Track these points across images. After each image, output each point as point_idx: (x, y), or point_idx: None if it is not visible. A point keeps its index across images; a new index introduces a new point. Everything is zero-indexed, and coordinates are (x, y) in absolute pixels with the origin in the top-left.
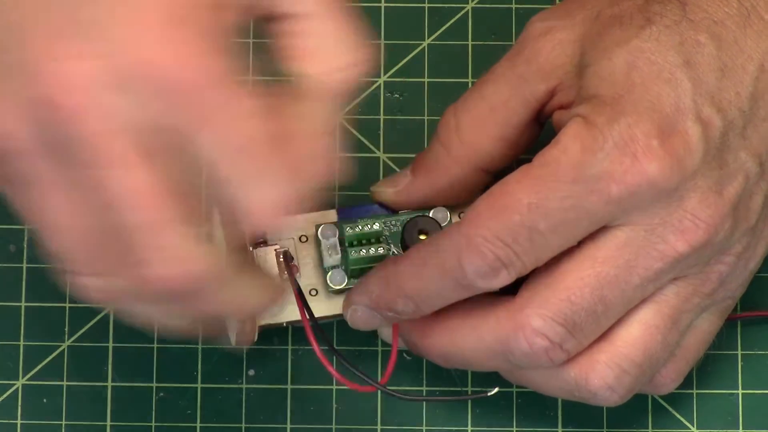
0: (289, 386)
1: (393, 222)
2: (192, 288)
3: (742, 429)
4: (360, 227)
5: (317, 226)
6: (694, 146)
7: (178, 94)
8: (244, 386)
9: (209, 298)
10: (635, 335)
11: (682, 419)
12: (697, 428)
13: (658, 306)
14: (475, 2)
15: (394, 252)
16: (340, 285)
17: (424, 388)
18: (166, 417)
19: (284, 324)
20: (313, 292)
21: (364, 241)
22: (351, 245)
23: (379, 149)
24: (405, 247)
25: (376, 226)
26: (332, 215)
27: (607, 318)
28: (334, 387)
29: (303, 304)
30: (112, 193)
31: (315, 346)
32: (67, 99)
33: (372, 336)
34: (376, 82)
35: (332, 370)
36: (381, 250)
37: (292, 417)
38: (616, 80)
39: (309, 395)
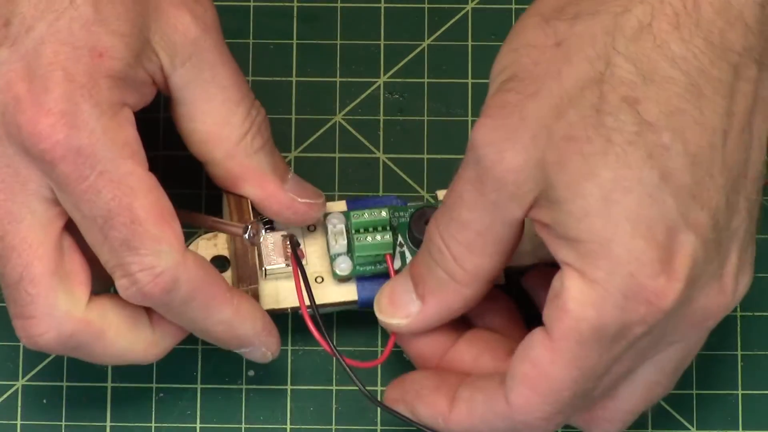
0: (289, 386)
1: (401, 212)
2: (74, 343)
3: (742, 429)
4: (366, 215)
5: (325, 215)
6: (695, 256)
7: (43, 162)
8: (244, 386)
9: (97, 349)
10: (639, 393)
11: (682, 419)
12: (697, 428)
13: (660, 364)
14: (474, 3)
15: (401, 241)
16: (345, 272)
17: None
18: (166, 417)
19: (288, 310)
20: (319, 280)
21: (370, 229)
22: (357, 232)
23: (379, 149)
24: (412, 237)
25: (383, 214)
26: (341, 206)
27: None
28: (334, 387)
29: (308, 290)
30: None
31: (315, 331)
32: None
33: (372, 337)
34: (376, 82)
35: (330, 349)
36: (387, 237)
37: (292, 417)
38: (596, 223)
39: (309, 395)
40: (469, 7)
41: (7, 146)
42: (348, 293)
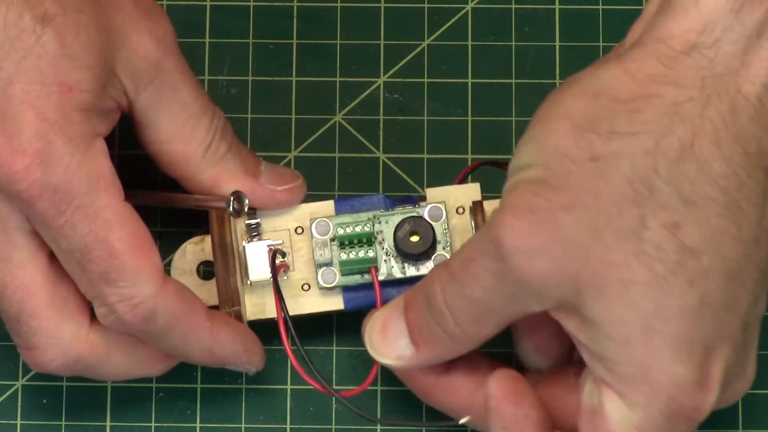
0: (289, 386)
1: (388, 220)
2: (82, 366)
3: (742, 429)
4: (351, 228)
5: (312, 220)
6: (729, 364)
7: (20, 201)
8: (244, 386)
9: (102, 370)
10: None
11: None
12: (697, 428)
13: None
14: (474, 2)
15: (387, 251)
16: (330, 284)
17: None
18: (166, 417)
19: (274, 319)
20: (306, 287)
21: (354, 242)
22: (341, 245)
23: (379, 149)
24: (397, 247)
25: (367, 228)
26: (329, 207)
27: None
28: (334, 387)
29: (282, 304)
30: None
31: (286, 344)
32: None
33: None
34: (376, 82)
35: (299, 368)
36: (371, 253)
37: (292, 417)
38: (637, 350)
39: (309, 395)
40: (469, 7)
41: None
42: (334, 303)
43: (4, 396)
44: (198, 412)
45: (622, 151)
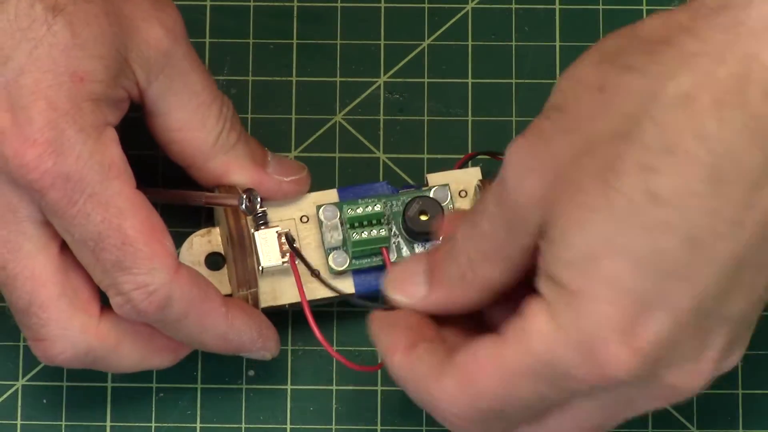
0: (289, 386)
1: (394, 202)
2: (92, 357)
3: (743, 429)
4: (361, 209)
5: (318, 207)
6: (662, 336)
7: (32, 191)
8: (244, 386)
9: (113, 361)
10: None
11: (682, 419)
12: (697, 428)
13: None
14: (475, 2)
15: (395, 233)
16: (342, 266)
17: None
18: (166, 417)
19: (286, 306)
20: (316, 271)
21: (365, 223)
22: (352, 227)
23: (379, 149)
24: (406, 227)
25: (377, 207)
26: (333, 195)
27: None
28: (334, 387)
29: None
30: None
31: (315, 329)
32: None
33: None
34: (376, 82)
35: (332, 351)
36: (383, 232)
37: (292, 417)
38: (575, 275)
39: (309, 395)
40: (469, 7)
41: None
42: (345, 286)
43: (4, 396)
44: (198, 412)
45: (627, 85)
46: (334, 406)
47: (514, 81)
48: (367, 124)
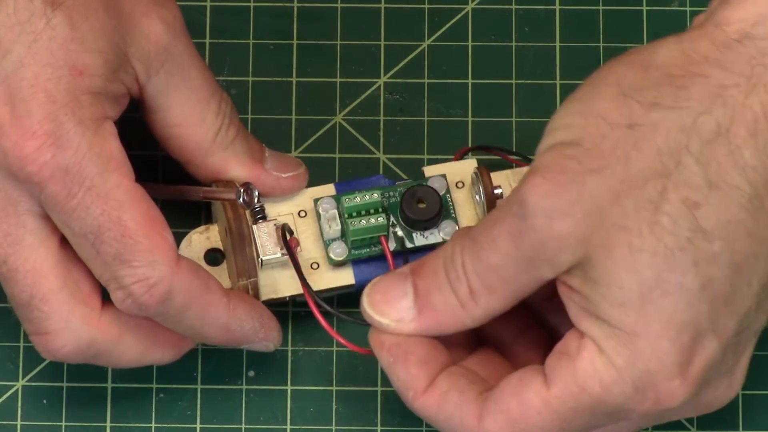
0: (289, 387)
1: (391, 192)
2: (94, 351)
3: (742, 429)
4: (358, 198)
5: (315, 200)
6: (713, 361)
7: (31, 184)
8: (244, 387)
9: (115, 356)
10: None
11: (682, 419)
12: (697, 428)
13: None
14: (475, 3)
15: (393, 222)
16: (341, 257)
17: None
18: (166, 417)
19: (287, 298)
20: (315, 266)
21: (363, 212)
22: (350, 216)
23: (379, 150)
24: (404, 216)
25: (375, 196)
26: (330, 189)
27: None
28: (334, 387)
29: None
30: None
31: (317, 314)
32: None
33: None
34: (376, 83)
35: (334, 332)
36: (381, 219)
37: (292, 417)
38: (629, 315)
39: (309, 396)
40: (469, 7)
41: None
42: (345, 277)
43: (4, 396)
44: (198, 413)
45: (660, 122)
46: (334, 407)
47: (514, 81)
48: (367, 124)
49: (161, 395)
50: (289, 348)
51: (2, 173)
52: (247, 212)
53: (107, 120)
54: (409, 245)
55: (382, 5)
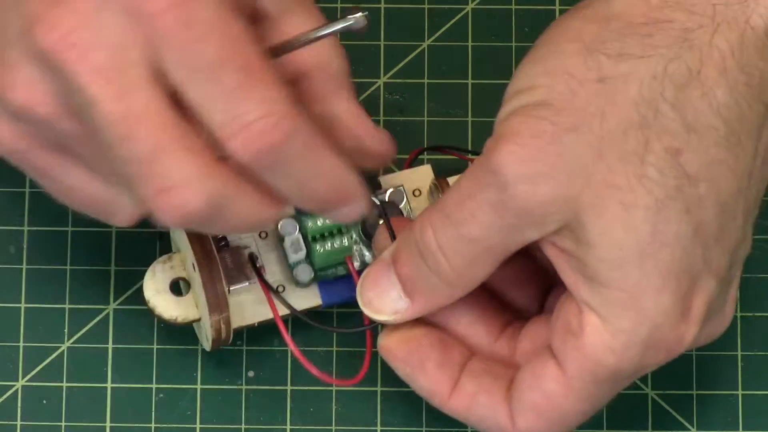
0: (288, 387)
1: None
2: (219, 202)
3: (742, 429)
4: (320, 220)
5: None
6: (712, 298)
7: (149, 17)
8: (243, 387)
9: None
10: None
11: (682, 420)
12: (697, 429)
13: None
14: (475, 3)
15: (356, 239)
16: (306, 279)
17: None
18: (166, 418)
19: (255, 324)
20: (281, 288)
21: (326, 234)
22: (314, 239)
23: None
24: (366, 233)
25: None
26: (289, 208)
27: None
28: (334, 387)
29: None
30: (115, 128)
31: (288, 340)
32: (62, 45)
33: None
34: (376, 83)
35: (311, 366)
36: (345, 242)
37: (291, 418)
38: (630, 275)
39: (309, 396)
40: (469, 7)
41: (107, 14)
42: (311, 298)
43: (4, 396)
44: (198, 413)
45: (631, 73)
46: (334, 407)
47: None
48: None
49: (161, 395)
50: (289, 349)
51: (118, 14)
52: (212, 240)
53: None
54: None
55: (382, 5)
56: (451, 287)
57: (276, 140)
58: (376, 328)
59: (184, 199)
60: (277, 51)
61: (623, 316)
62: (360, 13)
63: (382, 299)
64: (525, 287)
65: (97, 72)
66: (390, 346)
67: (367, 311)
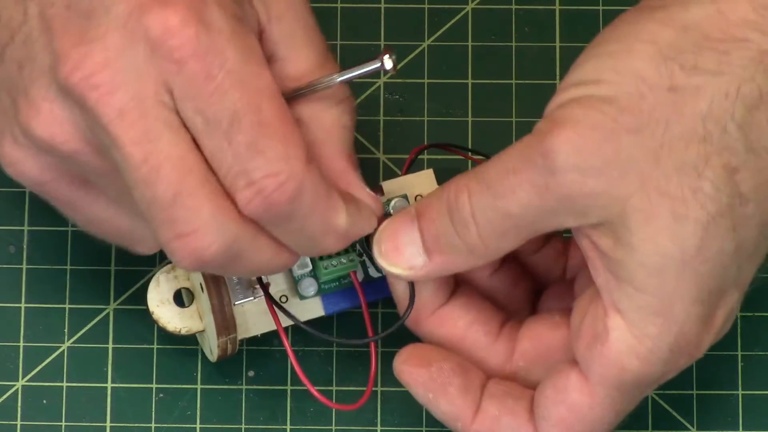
0: (288, 387)
1: None
2: (237, 249)
3: (742, 429)
4: None
5: None
6: (735, 310)
7: (171, 62)
8: (243, 387)
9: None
10: None
11: (682, 419)
12: (697, 429)
13: None
14: (475, 3)
15: (359, 253)
16: (311, 293)
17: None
18: (166, 418)
19: (258, 336)
20: (284, 299)
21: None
22: (321, 258)
23: (379, 150)
24: (368, 243)
25: None
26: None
27: None
28: (334, 388)
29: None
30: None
31: (291, 354)
32: (89, 83)
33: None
34: (376, 83)
35: (312, 388)
36: (353, 258)
37: (291, 418)
38: (668, 283)
39: (309, 396)
40: (469, 7)
41: (132, 56)
42: (314, 309)
43: (4, 396)
44: (198, 413)
45: (703, 87)
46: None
47: (514, 81)
48: (367, 124)
49: (161, 395)
50: (290, 358)
51: (141, 56)
52: None
53: (248, 25)
54: (377, 275)
55: (382, 5)
56: (472, 254)
57: (279, 200)
58: (378, 343)
59: (201, 245)
60: (296, 93)
61: (652, 322)
62: (388, 56)
63: (400, 253)
64: (514, 290)
65: (121, 115)
66: (410, 371)
67: (382, 262)
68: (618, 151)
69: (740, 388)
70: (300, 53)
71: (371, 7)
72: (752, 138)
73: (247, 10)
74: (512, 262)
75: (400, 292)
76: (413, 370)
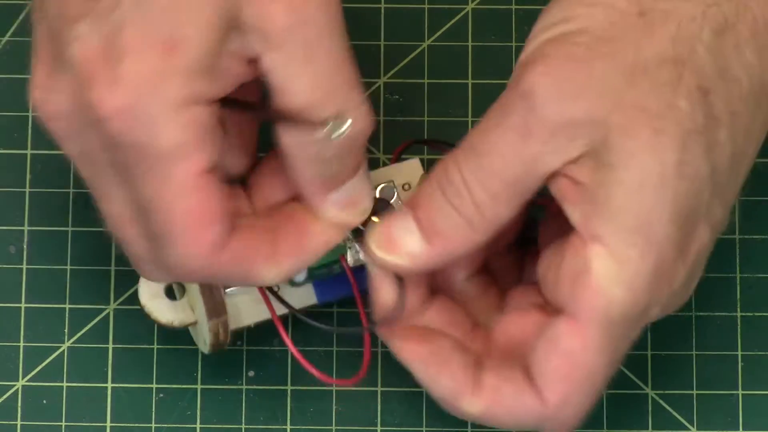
0: (288, 387)
1: None
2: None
3: (742, 429)
4: None
5: None
6: (706, 249)
7: (104, 135)
8: (244, 387)
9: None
10: None
11: (682, 419)
12: (697, 428)
13: None
14: (475, 3)
15: (349, 238)
16: (301, 279)
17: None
18: (166, 418)
19: (252, 325)
20: (276, 288)
21: None
22: None
23: (379, 150)
24: (358, 230)
25: None
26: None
27: None
28: (334, 387)
29: (281, 299)
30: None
31: (288, 341)
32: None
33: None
34: (376, 83)
35: (310, 367)
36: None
37: (291, 418)
38: (647, 199)
39: (309, 396)
40: (469, 7)
41: (83, 131)
42: (306, 297)
43: (4, 396)
44: (198, 413)
45: (671, 11)
46: (334, 407)
47: None
48: None
49: (161, 395)
50: (289, 348)
51: (83, 124)
52: None
53: (199, 102)
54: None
55: (382, 5)
56: (471, 228)
57: (190, 279)
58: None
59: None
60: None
61: (632, 243)
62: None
63: (395, 242)
64: (485, 296)
65: (148, 169)
66: (411, 348)
67: (381, 254)
68: (592, 76)
69: (740, 388)
70: (295, 85)
71: (371, 7)
72: (721, 64)
73: (230, 47)
74: (482, 271)
75: (384, 296)
76: (414, 347)
